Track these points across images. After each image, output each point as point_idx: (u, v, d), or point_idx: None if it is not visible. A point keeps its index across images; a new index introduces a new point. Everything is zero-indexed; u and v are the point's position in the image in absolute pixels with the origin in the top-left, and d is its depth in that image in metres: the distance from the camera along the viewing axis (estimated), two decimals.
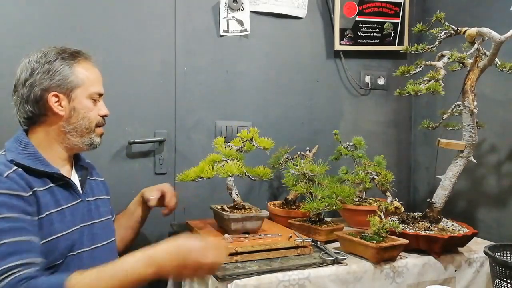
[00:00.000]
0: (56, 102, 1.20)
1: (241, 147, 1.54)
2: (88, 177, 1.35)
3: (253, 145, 1.56)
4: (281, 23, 2.01)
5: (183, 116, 1.88)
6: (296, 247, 1.39)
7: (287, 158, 1.83)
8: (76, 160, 1.34)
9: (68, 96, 1.22)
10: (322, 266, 1.33)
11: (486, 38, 1.43)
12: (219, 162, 1.45)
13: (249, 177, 1.50)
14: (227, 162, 1.45)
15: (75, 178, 1.30)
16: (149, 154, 1.84)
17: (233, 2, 1.90)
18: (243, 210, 1.49)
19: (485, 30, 1.42)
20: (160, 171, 1.85)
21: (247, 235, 1.43)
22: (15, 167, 1.12)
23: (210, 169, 1.40)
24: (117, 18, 1.77)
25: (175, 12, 1.85)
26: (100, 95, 1.29)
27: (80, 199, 1.26)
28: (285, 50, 2.03)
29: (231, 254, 1.30)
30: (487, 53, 1.46)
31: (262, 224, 1.49)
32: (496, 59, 1.48)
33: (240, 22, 1.93)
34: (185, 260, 1.04)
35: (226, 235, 1.39)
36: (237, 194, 1.52)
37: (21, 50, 1.62)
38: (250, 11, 1.94)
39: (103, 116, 1.30)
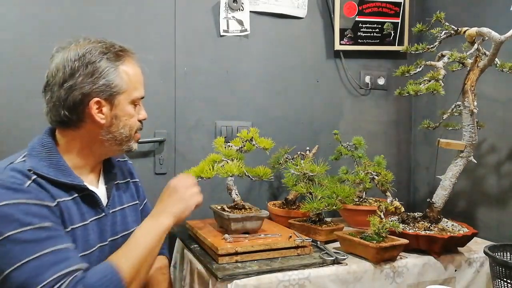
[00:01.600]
0: (97, 109, 1.08)
1: (241, 147, 1.54)
2: (117, 181, 1.25)
3: (253, 145, 1.56)
4: (281, 23, 2.01)
5: (183, 116, 1.88)
6: (296, 247, 1.39)
7: (287, 158, 1.83)
8: (105, 165, 1.23)
9: (110, 103, 1.09)
10: (322, 266, 1.33)
11: (486, 38, 1.43)
12: (219, 162, 1.45)
13: (249, 177, 1.50)
14: (227, 162, 1.45)
15: (101, 187, 1.20)
16: (149, 154, 1.84)
17: (233, 2, 1.90)
18: (243, 210, 1.49)
19: (485, 30, 1.43)
20: (160, 171, 1.85)
21: (247, 235, 1.43)
22: (34, 176, 1.01)
23: (210, 169, 1.40)
24: (117, 18, 1.77)
25: (175, 12, 1.85)
26: (142, 98, 1.18)
27: (104, 213, 1.15)
28: (285, 50, 2.03)
29: (231, 254, 1.30)
30: (487, 53, 1.46)
31: (262, 224, 1.49)
32: (496, 59, 1.48)
33: (240, 22, 1.93)
34: (178, 193, 1.18)
35: (226, 235, 1.39)
36: (237, 194, 1.52)
37: (21, 50, 1.64)
38: (250, 11, 1.94)
39: (141, 120, 1.20)
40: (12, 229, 0.93)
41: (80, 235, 1.07)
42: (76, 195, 1.09)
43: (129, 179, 1.33)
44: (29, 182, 1.00)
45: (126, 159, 1.37)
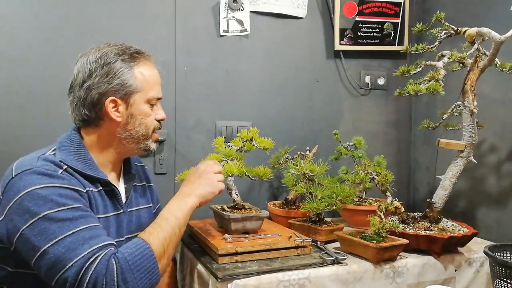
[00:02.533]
0: (113, 107, 1.15)
1: (241, 147, 1.54)
2: (135, 183, 1.32)
3: (253, 145, 1.56)
4: (281, 23, 2.01)
5: (183, 116, 1.88)
6: (296, 247, 1.39)
7: (287, 158, 1.83)
8: (125, 165, 1.30)
9: (126, 102, 1.16)
10: (322, 266, 1.33)
11: (486, 38, 1.43)
12: (219, 162, 1.45)
13: (249, 177, 1.50)
14: (227, 162, 1.45)
15: (121, 186, 1.26)
16: (149, 154, 1.84)
17: (233, 2, 1.90)
18: (243, 210, 1.49)
19: (485, 30, 1.42)
20: (160, 171, 1.85)
21: (247, 235, 1.43)
22: (65, 166, 1.09)
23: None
24: (117, 18, 1.77)
25: (175, 12, 1.85)
26: (159, 99, 1.25)
27: (122, 211, 1.22)
28: (285, 50, 2.03)
29: (231, 254, 1.30)
30: (487, 53, 1.46)
31: (262, 224, 1.49)
32: (496, 59, 1.48)
33: (240, 22, 1.93)
34: (207, 176, 1.24)
35: (226, 235, 1.39)
36: (237, 194, 1.52)
37: (22, 51, 1.64)
38: (250, 11, 1.94)
39: (159, 120, 1.26)
40: (48, 209, 0.99)
41: (102, 226, 1.10)
42: (101, 188, 1.16)
43: (145, 183, 1.40)
44: (61, 170, 1.08)
45: (143, 164, 1.45)
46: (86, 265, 0.96)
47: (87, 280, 0.95)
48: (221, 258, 1.30)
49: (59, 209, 1.00)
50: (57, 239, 0.97)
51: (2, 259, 1.09)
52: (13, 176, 1.04)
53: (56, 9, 1.69)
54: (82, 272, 0.95)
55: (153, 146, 1.26)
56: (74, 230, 0.99)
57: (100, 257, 0.98)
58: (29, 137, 1.63)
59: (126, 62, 1.16)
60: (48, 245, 0.97)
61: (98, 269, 0.96)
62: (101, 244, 1.00)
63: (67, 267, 0.95)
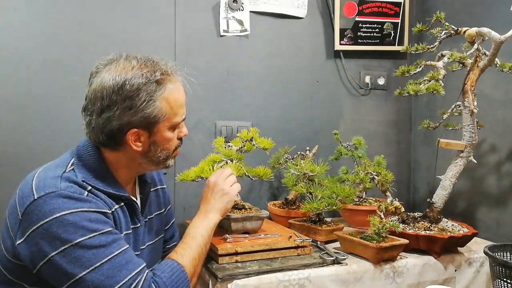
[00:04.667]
0: (135, 139, 1.08)
1: (241, 147, 1.54)
2: (150, 190, 1.28)
3: (253, 145, 1.56)
4: (281, 23, 2.01)
5: None
6: (296, 247, 1.39)
7: (287, 158, 1.83)
8: (140, 174, 1.25)
9: (149, 131, 1.09)
10: (322, 266, 1.33)
11: (486, 38, 1.43)
12: (219, 162, 1.45)
13: (249, 177, 1.50)
14: (227, 162, 1.45)
15: (138, 198, 1.24)
16: None
17: (233, 2, 1.90)
18: (243, 210, 1.49)
19: (485, 30, 1.42)
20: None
21: (247, 235, 1.43)
22: (89, 187, 1.04)
23: (210, 169, 1.40)
24: (117, 18, 1.77)
25: (175, 12, 1.85)
26: (183, 120, 1.17)
27: (139, 224, 1.18)
28: (285, 50, 2.03)
29: (231, 254, 1.30)
30: (487, 53, 1.46)
31: (262, 224, 1.49)
32: (496, 59, 1.48)
33: (240, 22, 1.93)
34: (218, 188, 1.26)
35: (226, 235, 1.39)
36: (237, 194, 1.52)
37: (21, 50, 1.64)
38: (250, 11, 1.94)
39: (181, 138, 1.19)
40: (80, 236, 0.96)
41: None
42: (122, 203, 1.13)
43: (158, 187, 1.35)
44: (86, 192, 1.03)
45: None
46: None
47: None
48: (221, 258, 1.30)
49: (92, 235, 0.97)
50: (93, 267, 0.96)
51: (20, 276, 1.06)
52: (35, 198, 0.98)
53: (56, 10, 1.68)
54: None
55: (171, 163, 1.20)
56: (110, 257, 0.98)
57: (142, 282, 0.99)
58: (29, 137, 1.63)
59: (151, 92, 1.05)
60: (84, 272, 0.96)
61: None
62: (138, 270, 1.01)
63: None
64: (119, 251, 1.00)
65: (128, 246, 1.04)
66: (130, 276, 0.98)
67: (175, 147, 1.18)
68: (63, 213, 0.97)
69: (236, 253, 1.31)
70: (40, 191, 0.99)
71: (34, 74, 1.67)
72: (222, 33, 1.92)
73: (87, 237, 0.97)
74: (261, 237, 1.42)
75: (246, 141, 1.55)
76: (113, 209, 1.08)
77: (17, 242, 0.99)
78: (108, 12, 1.76)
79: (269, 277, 1.25)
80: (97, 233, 0.98)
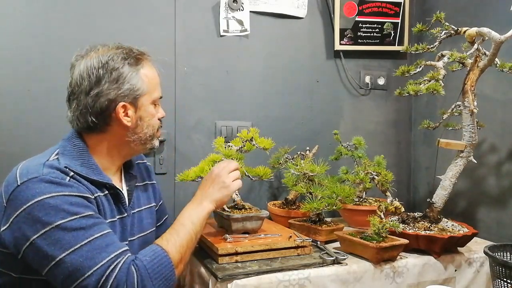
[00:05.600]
0: (123, 112, 1.14)
1: (241, 147, 1.54)
2: (137, 184, 1.30)
3: (253, 145, 1.55)
4: (281, 23, 2.01)
5: (183, 116, 1.88)
6: (296, 247, 1.39)
7: (287, 158, 1.83)
8: (126, 167, 1.29)
9: (135, 106, 1.16)
10: (322, 266, 1.33)
11: (486, 38, 1.43)
12: (219, 162, 1.44)
13: (249, 177, 1.50)
14: None
15: (123, 188, 1.25)
16: (149, 154, 1.84)
17: (233, 2, 1.90)
18: (243, 210, 1.49)
19: (485, 30, 1.42)
20: (160, 171, 1.85)
21: (247, 235, 1.43)
22: (72, 173, 1.07)
23: (210, 169, 1.40)
24: (117, 18, 1.77)
25: (175, 12, 1.85)
26: (160, 97, 1.25)
27: (126, 214, 1.20)
28: (285, 50, 2.03)
29: (231, 254, 1.30)
30: (487, 53, 1.46)
31: (262, 224, 1.49)
32: (496, 59, 1.48)
33: (240, 22, 1.93)
34: (220, 179, 1.26)
35: (226, 235, 1.39)
36: (237, 194, 1.52)
37: (23, 51, 1.64)
38: (250, 11, 1.94)
39: (160, 119, 1.26)
40: (61, 218, 0.99)
41: None
42: (107, 192, 1.15)
43: (147, 181, 1.37)
44: (68, 178, 1.06)
45: (144, 160, 1.42)
46: (107, 273, 0.97)
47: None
48: (221, 258, 1.30)
49: (72, 218, 1.00)
50: (73, 248, 0.97)
51: (6, 265, 1.08)
52: (19, 184, 1.01)
53: (56, 9, 1.69)
54: (102, 280, 0.96)
55: (157, 143, 1.26)
56: (89, 239, 0.99)
57: (120, 264, 0.99)
58: (27, 137, 1.63)
59: (132, 66, 1.15)
60: (64, 254, 0.97)
61: (118, 277, 0.97)
62: (118, 252, 1.01)
63: (86, 275, 0.96)
64: (100, 234, 1.01)
65: (110, 231, 1.05)
66: (109, 258, 0.99)
67: (157, 128, 1.24)
68: (44, 196, 0.99)
69: (236, 253, 1.31)
70: (23, 177, 1.02)
71: (34, 74, 1.67)
72: (222, 33, 1.92)
73: (67, 219, 0.99)
74: (261, 237, 1.42)
75: (246, 141, 1.55)
76: (96, 195, 1.10)
77: (2, 229, 1.02)
78: (108, 12, 1.76)
79: (269, 277, 1.25)
80: (78, 216, 1.00)
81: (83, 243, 0.98)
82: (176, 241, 1.10)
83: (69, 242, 0.98)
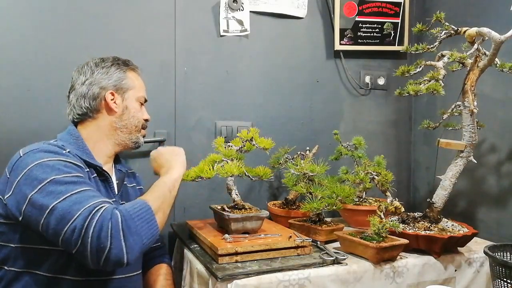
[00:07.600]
0: (111, 99, 1.36)
1: (241, 147, 1.54)
2: (125, 182, 1.46)
3: (253, 145, 1.55)
4: (281, 23, 2.01)
5: (183, 116, 1.88)
6: (296, 247, 1.38)
7: (287, 158, 1.83)
8: (115, 163, 1.46)
9: (122, 96, 1.38)
10: (322, 266, 1.33)
11: (486, 38, 1.43)
12: (219, 162, 1.44)
13: (249, 177, 1.49)
14: (227, 162, 1.45)
15: (114, 180, 1.40)
16: (149, 154, 1.84)
17: (233, 2, 1.90)
18: (243, 210, 1.49)
19: (485, 30, 1.42)
20: None
21: (247, 235, 1.43)
22: (68, 150, 1.23)
23: (210, 169, 1.40)
24: (117, 18, 1.77)
25: (175, 12, 1.85)
26: (146, 101, 1.47)
27: (114, 199, 1.34)
28: (285, 50, 2.03)
29: (231, 254, 1.30)
30: (487, 53, 1.46)
31: (262, 224, 1.49)
32: (496, 59, 1.48)
33: (240, 22, 1.93)
34: (164, 153, 1.44)
35: (226, 235, 1.39)
36: (237, 194, 1.52)
37: (23, 51, 1.65)
38: (250, 11, 1.94)
39: (145, 120, 1.46)
40: (55, 174, 1.11)
41: None
42: (96, 175, 1.30)
43: (135, 185, 1.53)
44: (65, 151, 1.22)
45: (133, 171, 1.60)
46: (93, 212, 1.04)
47: (93, 225, 1.03)
48: (221, 258, 1.30)
49: (65, 175, 1.11)
50: (64, 197, 1.07)
51: (5, 237, 1.18)
52: (21, 155, 1.16)
53: (56, 9, 1.69)
54: (89, 218, 1.03)
55: (142, 140, 1.46)
56: (79, 190, 1.09)
57: (105, 206, 1.07)
58: (28, 137, 1.63)
59: (120, 66, 1.41)
60: (56, 201, 1.06)
61: (104, 215, 1.05)
62: (103, 199, 1.11)
63: (75, 216, 1.04)
64: (88, 188, 1.12)
65: (98, 192, 1.16)
66: (94, 202, 1.07)
67: (142, 126, 1.44)
68: (43, 160, 1.14)
69: (236, 253, 1.30)
70: (25, 150, 1.18)
71: (34, 74, 1.67)
72: (222, 33, 1.92)
73: (60, 175, 1.11)
74: (261, 237, 1.42)
75: (246, 141, 1.55)
76: (87, 171, 1.24)
77: (6, 197, 1.14)
78: (108, 12, 1.76)
79: (269, 277, 1.25)
80: (71, 174, 1.13)
81: (73, 192, 1.08)
82: (152, 194, 1.22)
83: (61, 192, 1.08)
